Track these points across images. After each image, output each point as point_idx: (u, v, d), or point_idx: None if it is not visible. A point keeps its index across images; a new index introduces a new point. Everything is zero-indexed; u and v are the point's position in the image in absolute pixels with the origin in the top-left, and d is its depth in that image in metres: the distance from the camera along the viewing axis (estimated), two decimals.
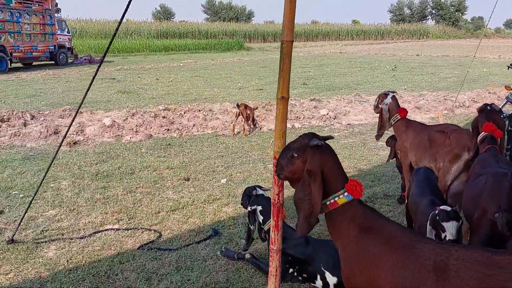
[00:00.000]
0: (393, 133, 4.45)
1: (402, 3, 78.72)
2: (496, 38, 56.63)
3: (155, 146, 7.03)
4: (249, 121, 7.65)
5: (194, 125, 8.52)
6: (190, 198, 4.85)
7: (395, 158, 4.66)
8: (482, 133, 3.10)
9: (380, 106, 4.40)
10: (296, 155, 2.14)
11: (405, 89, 12.65)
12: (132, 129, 8.06)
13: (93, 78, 2.88)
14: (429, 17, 76.10)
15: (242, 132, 7.73)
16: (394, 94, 4.37)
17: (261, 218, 3.40)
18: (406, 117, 4.26)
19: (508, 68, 6.52)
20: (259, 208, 3.41)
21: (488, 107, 3.24)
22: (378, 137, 4.50)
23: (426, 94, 11.67)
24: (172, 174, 5.69)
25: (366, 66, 20.20)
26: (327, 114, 9.19)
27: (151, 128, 8.21)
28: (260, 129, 8.10)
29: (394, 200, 4.72)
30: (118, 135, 7.70)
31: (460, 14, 70.02)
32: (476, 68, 18.91)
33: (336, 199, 2.07)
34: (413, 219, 3.16)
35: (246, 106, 7.62)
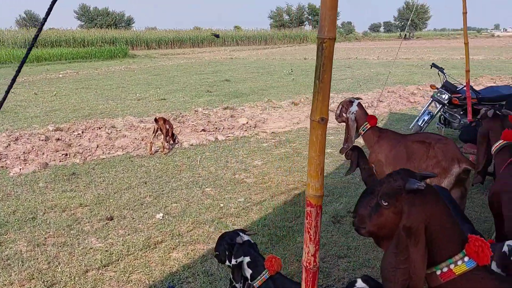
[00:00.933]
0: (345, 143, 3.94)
1: (281, 9, 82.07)
2: (365, 40, 61.97)
3: (55, 177, 5.69)
4: (168, 137, 6.66)
5: (97, 146, 7.24)
6: (123, 245, 3.80)
7: (360, 170, 4.17)
8: (500, 141, 2.66)
9: (345, 115, 3.87)
10: (385, 204, 1.46)
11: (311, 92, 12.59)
12: (19, 157, 6.54)
13: (3, 99, 1.81)
14: (306, 22, 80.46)
15: (160, 150, 6.70)
16: (359, 100, 3.88)
17: (249, 272, 2.58)
18: (377, 125, 3.78)
19: (431, 67, 6.56)
20: (247, 259, 2.59)
21: (499, 112, 2.84)
22: (344, 150, 3.95)
23: (333, 96, 11.68)
24: (88, 213, 4.52)
25: (262, 71, 20.10)
26: (247, 123, 8.56)
27: (43, 154, 6.75)
28: (181, 145, 7.15)
29: None
30: (2, 167, 6.14)
31: None
32: (363, 69, 19.98)
33: (452, 266, 1.39)
34: None
35: (165, 120, 6.61)
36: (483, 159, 2.76)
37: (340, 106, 3.95)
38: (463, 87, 6.44)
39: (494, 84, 11.85)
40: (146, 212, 4.51)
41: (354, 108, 3.80)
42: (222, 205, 4.65)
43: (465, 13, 5.33)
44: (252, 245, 2.67)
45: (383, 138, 3.59)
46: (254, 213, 4.41)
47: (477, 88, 6.79)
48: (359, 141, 4.72)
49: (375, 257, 3.48)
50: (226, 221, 4.23)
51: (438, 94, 6.28)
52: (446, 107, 6.34)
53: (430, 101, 6.49)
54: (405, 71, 17.59)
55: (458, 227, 1.42)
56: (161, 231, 4.07)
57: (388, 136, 3.58)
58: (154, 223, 4.25)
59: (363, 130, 3.73)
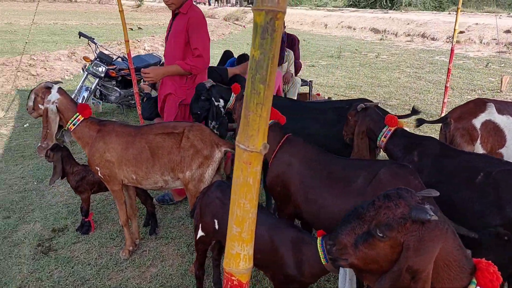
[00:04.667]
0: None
1: None
2: None
3: None
4: None
5: None
6: None
7: (67, 176, 3.23)
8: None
9: (42, 106, 2.83)
10: (380, 235, 1.15)
11: None
12: None
13: None
14: None
15: None
16: (60, 84, 2.92)
17: None
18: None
19: (80, 37, 5.75)
20: None
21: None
22: (42, 149, 2.88)
23: None
24: None
25: None
26: None
27: None
28: None
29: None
30: None
31: None
32: None
33: None
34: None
35: None
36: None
37: (33, 96, 2.84)
38: (117, 58, 6.09)
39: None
40: None
41: (54, 95, 2.81)
42: None
43: None
44: None
45: (108, 133, 2.82)
46: None
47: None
48: None
49: None
50: None
51: (94, 67, 5.66)
52: (102, 80, 5.83)
53: (85, 75, 5.77)
54: None
55: (466, 254, 1.18)
56: None
57: (115, 130, 2.83)
58: None
59: (73, 124, 2.82)
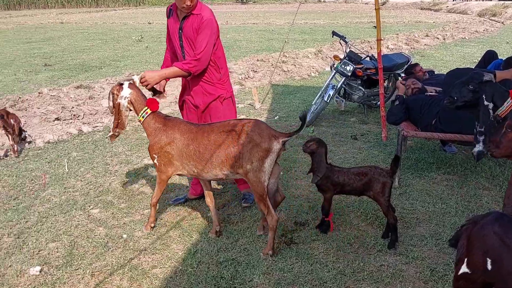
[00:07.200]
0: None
1: None
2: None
3: None
4: (14, 135, 4.84)
5: None
6: None
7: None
8: None
9: (117, 102, 3.16)
10: None
11: None
12: None
13: None
14: None
15: (12, 153, 4.86)
16: (131, 81, 3.20)
17: None
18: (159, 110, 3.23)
19: (332, 36, 5.98)
20: None
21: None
22: (113, 137, 3.28)
23: None
24: None
25: (105, 38, 17.64)
26: None
27: None
28: (34, 144, 5.31)
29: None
30: None
31: None
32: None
33: None
34: None
35: (8, 113, 4.78)
36: None
37: (110, 94, 3.21)
38: (366, 57, 6.05)
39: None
40: (9, 266, 2.95)
41: (126, 91, 3.13)
42: (125, 236, 3.34)
43: None
44: None
45: (172, 127, 3.09)
46: (178, 245, 3.23)
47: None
48: None
49: None
50: (142, 264, 2.98)
51: (342, 65, 5.75)
52: (347, 79, 5.87)
53: (333, 73, 5.93)
54: (260, 37, 17.27)
55: None
56: None
57: (180, 125, 3.10)
58: (28, 285, 2.76)
59: (142, 117, 3.14)
